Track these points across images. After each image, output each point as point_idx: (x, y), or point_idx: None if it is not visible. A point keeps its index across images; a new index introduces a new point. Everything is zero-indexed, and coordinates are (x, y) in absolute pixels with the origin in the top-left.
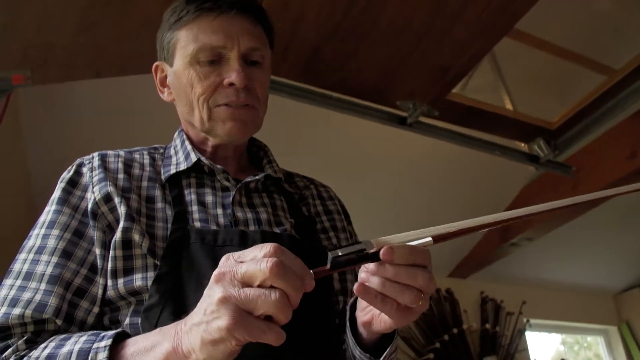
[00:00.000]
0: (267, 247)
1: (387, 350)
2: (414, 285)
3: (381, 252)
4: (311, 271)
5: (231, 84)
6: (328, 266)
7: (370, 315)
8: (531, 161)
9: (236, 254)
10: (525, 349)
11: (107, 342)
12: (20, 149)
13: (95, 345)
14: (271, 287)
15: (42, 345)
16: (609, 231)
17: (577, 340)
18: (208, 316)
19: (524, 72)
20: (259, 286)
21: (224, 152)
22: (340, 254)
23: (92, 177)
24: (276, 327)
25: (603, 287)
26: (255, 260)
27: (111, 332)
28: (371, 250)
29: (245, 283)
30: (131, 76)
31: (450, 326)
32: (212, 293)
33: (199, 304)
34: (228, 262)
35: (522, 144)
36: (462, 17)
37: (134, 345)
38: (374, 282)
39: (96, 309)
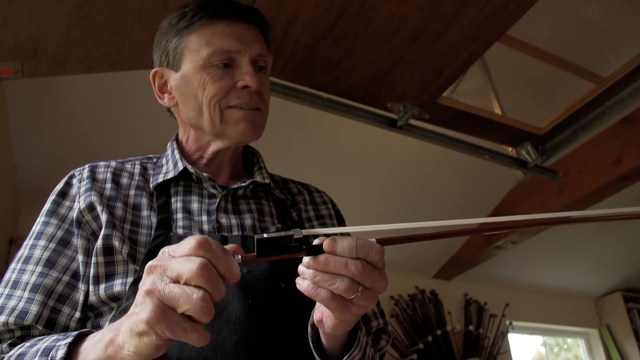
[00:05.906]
0: (191, 242)
1: (346, 357)
2: (345, 274)
3: (324, 242)
4: (239, 256)
5: (245, 87)
6: (255, 252)
7: (320, 313)
8: (519, 166)
9: (171, 248)
10: (508, 351)
11: (69, 340)
12: (7, 140)
13: (58, 343)
14: (196, 286)
15: (19, 345)
16: (592, 236)
17: (557, 342)
18: (137, 308)
19: (513, 77)
20: (185, 284)
21: (223, 157)
22: (265, 236)
23: (80, 188)
24: (200, 329)
25: (585, 291)
26: (183, 258)
27: (77, 332)
28: (314, 242)
29: (173, 279)
30: (120, 72)
31: (434, 327)
32: (142, 284)
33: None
34: (162, 256)
35: (510, 149)
36: (456, 20)
37: (90, 339)
38: (307, 272)
39: (78, 314)
